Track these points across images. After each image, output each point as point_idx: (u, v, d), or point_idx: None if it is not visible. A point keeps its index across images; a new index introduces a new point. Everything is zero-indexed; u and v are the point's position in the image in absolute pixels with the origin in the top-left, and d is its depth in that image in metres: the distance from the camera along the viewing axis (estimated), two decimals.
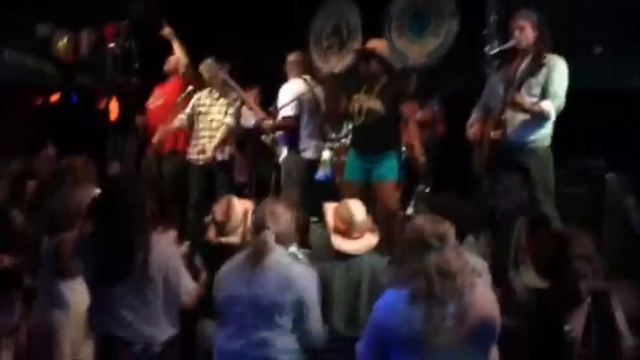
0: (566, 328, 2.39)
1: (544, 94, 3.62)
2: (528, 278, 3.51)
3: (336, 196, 3.83)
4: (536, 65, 3.61)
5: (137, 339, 2.58)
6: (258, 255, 2.61)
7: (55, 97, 6.73)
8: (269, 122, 4.76)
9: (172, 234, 3.33)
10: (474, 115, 3.92)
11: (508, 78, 3.70)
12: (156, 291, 2.58)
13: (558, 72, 3.64)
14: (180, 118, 5.22)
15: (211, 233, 3.25)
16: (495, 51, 4.25)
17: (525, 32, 3.67)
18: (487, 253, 4.43)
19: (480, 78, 4.48)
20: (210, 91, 5.08)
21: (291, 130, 4.74)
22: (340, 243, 3.10)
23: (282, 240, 2.67)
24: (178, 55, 5.39)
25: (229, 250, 2.98)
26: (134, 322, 2.56)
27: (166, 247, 2.70)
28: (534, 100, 3.60)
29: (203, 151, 5.06)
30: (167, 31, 5.41)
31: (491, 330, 2.24)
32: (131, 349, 2.56)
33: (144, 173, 5.49)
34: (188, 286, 2.76)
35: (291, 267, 2.64)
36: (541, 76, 3.63)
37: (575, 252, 2.31)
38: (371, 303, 2.97)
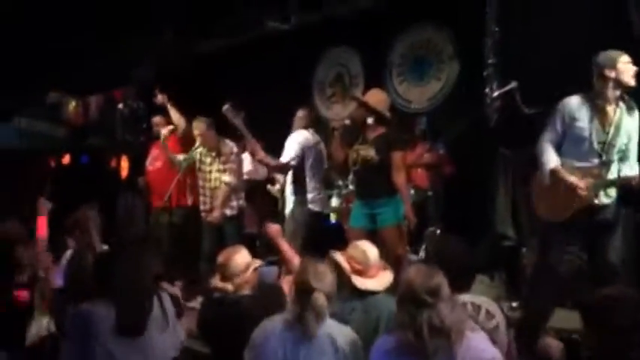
0: None
1: (630, 140, 3.47)
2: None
3: (345, 243, 3.83)
4: (623, 112, 3.45)
5: None
6: (313, 320, 2.46)
7: (66, 159, 6.87)
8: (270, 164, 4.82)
9: (175, 289, 3.32)
10: (555, 159, 3.58)
11: (601, 127, 3.45)
12: (154, 349, 2.57)
13: None
14: (179, 161, 5.28)
15: (215, 278, 3.24)
16: (497, 93, 4.29)
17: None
18: (502, 294, 4.40)
19: (482, 119, 4.52)
20: (209, 150, 5.14)
21: (296, 172, 4.78)
22: (361, 282, 3.05)
23: (328, 299, 2.57)
24: (176, 119, 5.46)
25: (235, 305, 2.98)
26: None
27: (169, 306, 2.70)
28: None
29: (211, 210, 5.10)
30: (160, 98, 5.50)
31: None
32: None
33: (151, 230, 5.52)
34: (178, 343, 2.74)
35: (341, 334, 2.54)
36: (632, 122, 3.47)
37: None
38: None
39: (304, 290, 2.50)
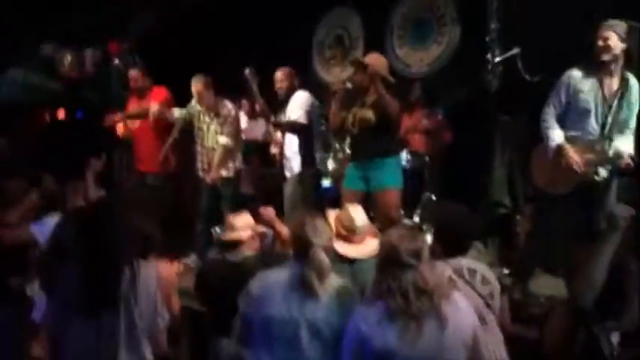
0: None
1: (630, 114, 3.46)
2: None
3: (339, 206, 3.84)
4: (625, 86, 3.42)
5: None
6: (315, 278, 2.43)
7: (61, 114, 6.79)
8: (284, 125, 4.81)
9: (166, 265, 3.22)
10: (560, 135, 3.57)
11: (603, 99, 3.45)
12: (129, 320, 2.43)
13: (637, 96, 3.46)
14: (181, 113, 5.19)
15: (224, 234, 3.25)
16: (499, 58, 4.25)
17: (608, 44, 3.37)
18: (495, 261, 4.44)
19: (482, 86, 4.48)
20: (207, 109, 5.07)
21: (303, 133, 4.77)
22: (343, 248, 3.08)
23: (327, 254, 2.54)
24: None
25: (236, 266, 2.99)
26: (101, 351, 2.40)
27: (149, 279, 2.53)
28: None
29: (208, 170, 5.06)
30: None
31: (468, 342, 2.24)
32: None
33: (132, 192, 5.44)
34: (160, 325, 2.58)
35: (343, 289, 2.51)
36: (629, 96, 3.44)
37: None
38: None
39: (303, 245, 2.47)
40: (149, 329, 2.48)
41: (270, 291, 2.48)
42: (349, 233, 3.11)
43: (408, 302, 2.18)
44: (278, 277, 2.52)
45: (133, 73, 5.42)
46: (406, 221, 4.65)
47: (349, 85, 4.08)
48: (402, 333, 2.17)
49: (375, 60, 4.11)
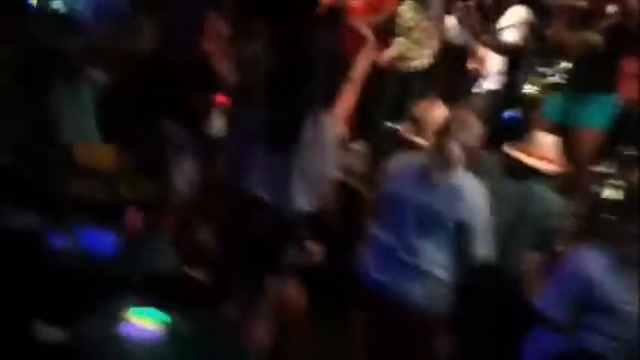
0: None
1: None
2: None
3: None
4: None
5: (275, 203, 2.54)
6: (440, 167, 2.50)
7: None
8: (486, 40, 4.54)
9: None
10: None
11: None
12: (305, 163, 2.54)
13: None
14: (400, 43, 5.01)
15: (406, 129, 3.21)
16: None
17: None
18: None
19: None
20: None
21: (512, 53, 4.49)
22: (512, 151, 2.91)
23: (466, 152, 2.52)
24: None
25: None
26: (276, 187, 2.54)
27: (329, 130, 2.61)
28: None
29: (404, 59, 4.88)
30: None
31: None
32: (265, 212, 2.55)
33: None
34: (330, 177, 2.67)
35: (465, 186, 2.52)
36: None
37: None
38: (531, 234, 2.80)
39: (442, 136, 2.53)
40: (319, 178, 2.58)
41: (400, 172, 2.64)
42: (528, 145, 2.91)
43: None
44: (411, 160, 2.64)
45: None
46: (595, 169, 4.27)
47: (582, 3, 3.66)
48: (628, 284, 2.03)
49: None
